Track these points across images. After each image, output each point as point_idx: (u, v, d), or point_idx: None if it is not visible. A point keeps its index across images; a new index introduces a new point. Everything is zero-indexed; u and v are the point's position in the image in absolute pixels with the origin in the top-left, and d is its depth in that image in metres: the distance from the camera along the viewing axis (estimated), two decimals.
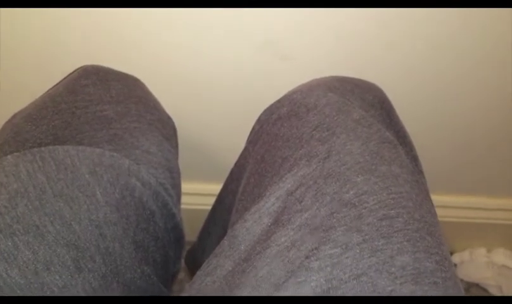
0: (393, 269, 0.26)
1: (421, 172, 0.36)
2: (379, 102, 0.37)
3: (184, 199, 0.44)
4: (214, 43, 0.56)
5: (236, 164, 0.43)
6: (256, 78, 0.60)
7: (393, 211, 0.29)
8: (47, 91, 0.39)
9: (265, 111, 0.40)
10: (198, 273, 0.32)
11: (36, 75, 0.58)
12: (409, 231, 0.28)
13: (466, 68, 0.60)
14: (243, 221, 0.32)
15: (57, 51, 0.57)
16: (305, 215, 0.30)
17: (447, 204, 0.79)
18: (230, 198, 0.43)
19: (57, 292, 0.27)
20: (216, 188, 0.48)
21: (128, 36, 0.56)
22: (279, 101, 0.39)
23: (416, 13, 0.53)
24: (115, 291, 0.31)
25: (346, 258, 0.27)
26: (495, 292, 0.82)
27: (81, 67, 0.41)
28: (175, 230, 0.40)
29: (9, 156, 0.31)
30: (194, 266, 0.53)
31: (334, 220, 0.29)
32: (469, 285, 0.83)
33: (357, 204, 0.29)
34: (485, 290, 0.83)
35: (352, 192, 0.30)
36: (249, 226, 0.31)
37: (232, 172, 0.43)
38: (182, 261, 0.55)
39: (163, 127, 0.40)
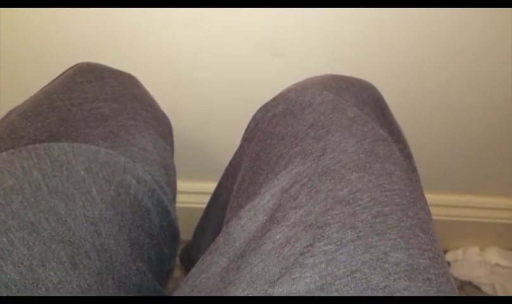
0: (386, 265, 0.27)
1: (415, 170, 0.36)
2: (374, 101, 0.38)
3: (179, 197, 0.44)
4: (211, 41, 0.56)
5: (231, 162, 0.43)
6: (252, 76, 0.60)
7: (386, 209, 0.29)
8: (43, 88, 0.39)
9: (260, 109, 0.40)
10: (193, 270, 0.32)
11: (36, 75, 0.58)
12: (403, 228, 0.29)
13: (462, 66, 0.60)
14: (237, 219, 0.32)
15: (56, 51, 0.57)
16: (299, 212, 0.30)
17: (441, 202, 0.80)
18: (225, 196, 0.43)
19: (52, 289, 0.27)
20: (211, 186, 0.48)
21: (126, 34, 0.56)
22: (274, 99, 0.39)
23: (413, 12, 0.53)
24: (110, 288, 0.31)
25: (341, 254, 0.27)
26: (488, 290, 0.83)
27: (76, 64, 0.41)
28: (171, 228, 0.40)
29: (4, 153, 0.31)
30: (189, 263, 0.53)
31: (329, 217, 0.29)
32: (463, 283, 0.84)
33: (351, 201, 0.30)
34: (478, 288, 0.83)
35: (346, 190, 0.30)
36: (244, 223, 0.32)
37: (227, 170, 0.44)
38: (177, 259, 0.55)
39: (158, 125, 0.40)
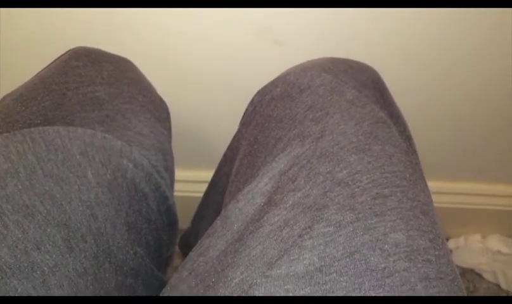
0: (386, 246, 0.26)
1: (414, 152, 0.36)
2: (373, 83, 0.37)
3: (177, 186, 0.44)
4: (209, 28, 0.56)
5: (229, 146, 0.42)
6: (251, 63, 0.60)
7: (386, 190, 0.29)
8: (38, 73, 0.39)
9: (258, 92, 0.40)
10: (191, 254, 0.32)
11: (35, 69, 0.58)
12: (403, 209, 0.28)
13: (462, 54, 0.59)
14: (235, 202, 0.32)
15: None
16: (298, 194, 0.29)
17: (442, 190, 0.79)
18: (223, 181, 0.43)
19: (47, 272, 0.27)
20: (209, 175, 0.48)
21: (124, 24, 0.55)
22: (272, 83, 0.39)
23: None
24: (107, 272, 0.31)
25: (340, 236, 0.27)
26: (489, 277, 0.83)
27: (72, 49, 0.40)
28: (168, 213, 0.39)
29: None
30: (188, 250, 0.53)
31: (328, 199, 0.29)
32: (464, 270, 0.84)
33: (350, 183, 0.29)
34: (479, 275, 0.83)
35: (345, 172, 0.30)
36: (242, 206, 0.31)
37: (225, 155, 0.43)
38: (177, 247, 0.55)
39: (155, 109, 0.39)
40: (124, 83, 0.38)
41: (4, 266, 0.26)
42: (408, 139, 0.36)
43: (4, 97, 0.37)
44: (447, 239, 0.87)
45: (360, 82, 0.36)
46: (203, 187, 0.50)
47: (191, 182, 0.73)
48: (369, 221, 0.27)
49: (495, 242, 0.84)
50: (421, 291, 0.25)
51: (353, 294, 0.25)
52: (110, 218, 0.32)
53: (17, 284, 0.26)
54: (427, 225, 0.28)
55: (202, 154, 0.72)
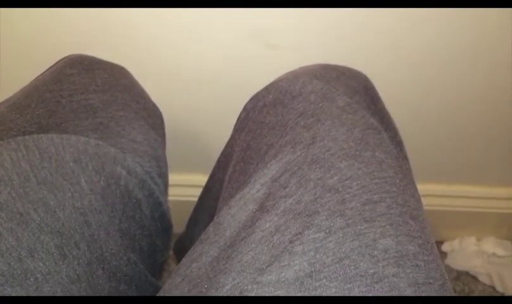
0: (375, 252, 0.27)
1: (405, 158, 0.36)
2: (364, 89, 0.38)
3: (171, 190, 0.44)
4: (203, 31, 0.56)
5: (222, 152, 0.43)
6: (245, 67, 0.60)
7: (376, 196, 0.29)
8: (32, 81, 0.39)
9: (251, 99, 0.40)
10: (184, 259, 0.32)
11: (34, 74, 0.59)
12: (392, 215, 0.29)
13: (459, 55, 0.60)
14: (228, 208, 0.32)
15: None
16: (289, 201, 0.30)
17: (437, 192, 0.80)
18: (217, 187, 0.43)
19: (41, 279, 0.27)
20: (203, 179, 0.48)
21: (118, 28, 0.55)
22: (265, 89, 0.39)
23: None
24: (100, 278, 0.31)
25: (330, 242, 0.27)
26: (484, 280, 0.83)
27: (66, 56, 0.40)
28: (162, 219, 0.40)
29: None
30: (182, 255, 0.53)
31: (318, 205, 0.29)
32: (460, 273, 0.84)
33: (340, 189, 0.29)
34: (474, 278, 0.84)
35: (335, 178, 0.30)
36: (235, 212, 0.32)
37: (219, 161, 0.43)
38: (171, 252, 0.55)
39: (149, 116, 0.40)
40: (118, 90, 0.38)
41: None
42: (399, 144, 0.36)
43: None
44: (442, 242, 0.88)
45: (352, 89, 0.37)
46: (197, 191, 0.50)
47: (185, 186, 0.73)
48: (359, 227, 0.28)
49: (490, 245, 0.85)
50: None
51: None
52: (103, 224, 0.32)
53: (10, 291, 0.26)
54: (416, 231, 0.29)
55: (197, 158, 0.72)
